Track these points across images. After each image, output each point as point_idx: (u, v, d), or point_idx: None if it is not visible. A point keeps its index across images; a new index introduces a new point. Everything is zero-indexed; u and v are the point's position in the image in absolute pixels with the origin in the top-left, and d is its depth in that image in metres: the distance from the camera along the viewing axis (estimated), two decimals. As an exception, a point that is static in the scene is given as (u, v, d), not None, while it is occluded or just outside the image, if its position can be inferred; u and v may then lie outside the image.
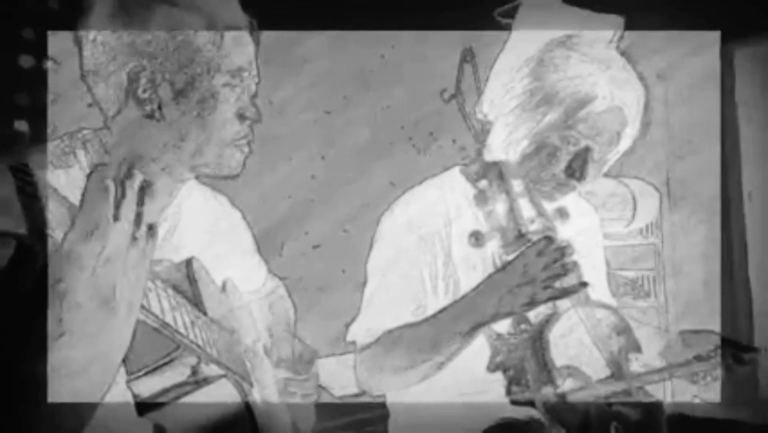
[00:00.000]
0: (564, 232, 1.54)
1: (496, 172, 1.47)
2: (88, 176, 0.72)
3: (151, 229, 0.74)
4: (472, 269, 1.53)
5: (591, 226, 1.75)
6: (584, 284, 1.41)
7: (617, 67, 1.53)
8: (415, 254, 1.54)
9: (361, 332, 1.53)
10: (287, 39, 2.08)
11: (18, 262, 0.59)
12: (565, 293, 1.38)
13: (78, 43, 1.19)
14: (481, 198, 1.47)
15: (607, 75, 1.50)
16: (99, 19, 1.17)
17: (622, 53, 1.62)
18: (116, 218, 0.67)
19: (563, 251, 1.37)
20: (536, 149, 1.52)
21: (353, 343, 1.55)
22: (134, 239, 0.70)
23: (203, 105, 1.19)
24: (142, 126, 1.18)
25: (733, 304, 2.47)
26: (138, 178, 0.73)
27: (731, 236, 2.50)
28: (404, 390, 1.56)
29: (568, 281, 1.38)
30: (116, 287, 0.66)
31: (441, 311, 1.47)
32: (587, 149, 1.50)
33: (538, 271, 1.36)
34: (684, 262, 2.49)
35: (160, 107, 1.17)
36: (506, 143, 1.55)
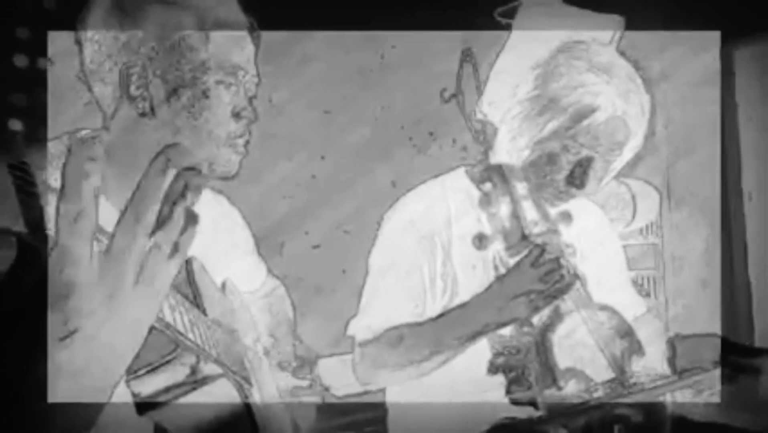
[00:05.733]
0: (568, 234, 1.54)
1: (500, 175, 1.47)
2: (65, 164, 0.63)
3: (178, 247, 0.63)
4: (472, 268, 1.53)
5: (598, 225, 1.74)
6: (577, 276, 1.41)
7: (622, 77, 1.51)
8: (415, 253, 1.54)
9: (360, 327, 1.54)
10: (287, 39, 2.08)
11: (22, 261, 0.57)
12: (562, 291, 1.38)
13: (79, 42, 1.19)
14: (485, 200, 1.48)
15: (611, 85, 1.49)
16: (96, 19, 1.17)
17: (622, 54, 1.61)
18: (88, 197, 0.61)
19: (558, 261, 1.37)
20: (538, 157, 1.52)
21: (352, 337, 1.56)
22: (155, 243, 0.62)
23: (195, 103, 1.18)
24: (138, 125, 1.18)
25: (733, 304, 2.47)
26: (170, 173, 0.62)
27: (731, 236, 2.50)
28: (403, 389, 1.57)
29: (564, 280, 1.38)
30: (125, 287, 0.63)
31: (443, 315, 1.48)
32: (589, 159, 1.50)
33: (534, 283, 1.36)
34: (684, 262, 2.48)
35: (152, 105, 1.16)
36: (510, 149, 1.55)
